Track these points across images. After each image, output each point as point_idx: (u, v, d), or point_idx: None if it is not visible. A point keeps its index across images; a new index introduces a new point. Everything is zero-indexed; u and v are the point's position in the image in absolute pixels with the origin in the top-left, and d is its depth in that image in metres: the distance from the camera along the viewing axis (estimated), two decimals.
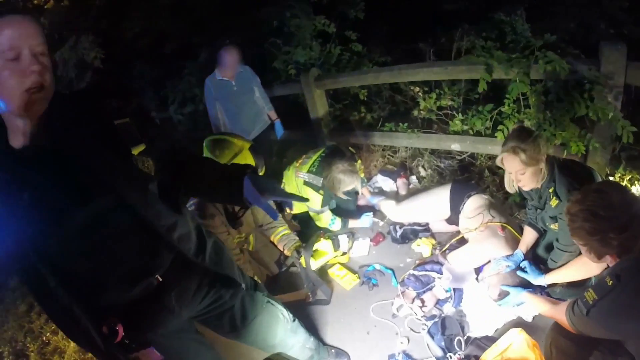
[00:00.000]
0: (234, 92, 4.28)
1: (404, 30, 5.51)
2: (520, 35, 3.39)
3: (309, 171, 3.57)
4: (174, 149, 1.66)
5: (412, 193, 3.91)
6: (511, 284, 2.57)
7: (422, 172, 4.31)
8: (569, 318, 1.78)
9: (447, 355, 2.45)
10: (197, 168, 1.60)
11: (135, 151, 1.50)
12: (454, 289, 2.84)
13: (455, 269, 2.90)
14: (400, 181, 4.18)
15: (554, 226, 2.49)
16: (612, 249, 1.60)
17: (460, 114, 3.88)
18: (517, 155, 2.31)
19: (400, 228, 3.52)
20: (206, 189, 1.57)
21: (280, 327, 2.11)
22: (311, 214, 3.71)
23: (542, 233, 2.71)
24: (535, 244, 2.75)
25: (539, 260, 2.69)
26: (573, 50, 3.19)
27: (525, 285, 2.54)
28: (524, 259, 2.66)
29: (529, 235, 2.72)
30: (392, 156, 4.65)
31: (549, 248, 2.60)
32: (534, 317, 2.55)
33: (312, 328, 2.88)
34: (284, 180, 3.87)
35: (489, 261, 2.81)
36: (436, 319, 2.67)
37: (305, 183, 3.56)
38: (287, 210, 3.92)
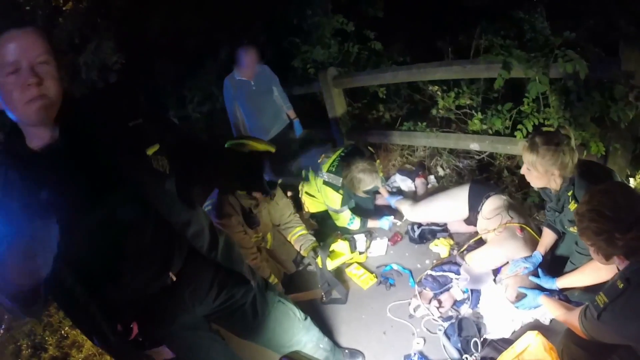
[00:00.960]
0: (252, 92, 4.30)
1: (422, 29, 5.47)
2: (540, 33, 3.34)
3: (328, 171, 3.58)
4: (186, 141, 1.69)
5: (430, 193, 3.89)
6: (529, 286, 2.55)
7: (441, 172, 4.29)
8: (581, 323, 1.77)
9: (464, 357, 2.45)
10: (216, 158, 1.62)
11: (150, 151, 1.53)
12: (472, 290, 2.83)
13: (473, 270, 2.89)
14: (419, 181, 4.17)
15: (573, 229, 2.45)
16: (619, 250, 1.60)
17: (479, 113, 3.85)
18: (530, 153, 2.31)
19: (418, 228, 3.52)
20: (227, 178, 1.61)
21: (292, 325, 2.13)
22: (330, 212, 3.72)
23: (561, 235, 2.67)
24: (554, 246, 2.72)
25: (557, 262, 2.66)
26: (593, 48, 3.13)
27: (543, 288, 2.52)
28: (543, 261, 2.64)
29: (548, 237, 2.69)
30: (411, 155, 4.64)
31: (568, 250, 2.57)
32: (551, 320, 2.53)
33: (328, 327, 2.92)
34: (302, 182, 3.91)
35: (507, 262, 2.79)
36: (453, 320, 2.67)
37: (325, 183, 3.57)
38: (305, 209, 3.95)
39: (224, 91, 4.40)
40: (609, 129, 2.85)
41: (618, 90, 2.62)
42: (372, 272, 3.29)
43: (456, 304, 2.84)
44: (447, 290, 2.89)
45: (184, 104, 6.97)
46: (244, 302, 1.89)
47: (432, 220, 3.53)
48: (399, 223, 3.75)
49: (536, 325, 2.53)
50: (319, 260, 3.19)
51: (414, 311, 2.86)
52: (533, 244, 2.79)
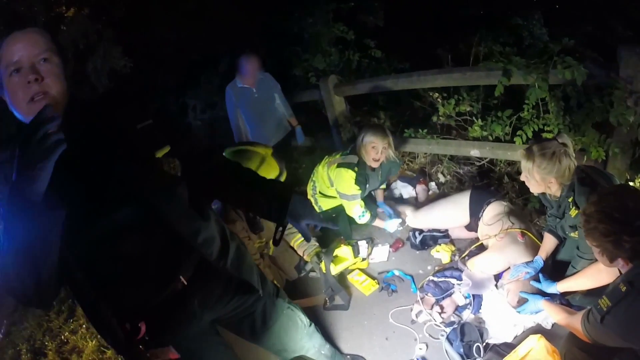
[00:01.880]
0: (254, 100, 4.33)
1: (422, 37, 5.52)
2: (538, 40, 3.37)
3: (342, 155, 3.63)
4: (205, 152, 1.68)
5: (431, 199, 3.91)
6: (530, 291, 2.56)
7: (442, 179, 4.30)
8: (584, 327, 1.77)
9: None
10: (235, 177, 1.63)
11: (160, 153, 1.51)
12: (473, 296, 2.83)
13: (475, 276, 2.89)
14: (420, 187, 4.18)
15: (574, 234, 2.47)
16: (625, 252, 1.61)
17: (479, 120, 3.87)
18: (527, 161, 2.35)
19: (419, 234, 3.53)
20: (245, 201, 1.60)
21: (297, 332, 2.12)
22: (342, 201, 3.66)
23: (562, 240, 2.68)
24: (555, 251, 2.73)
25: (558, 267, 2.67)
26: (591, 53, 3.16)
27: (544, 292, 2.53)
28: (544, 266, 2.65)
29: (549, 242, 2.71)
30: (412, 162, 4.66)
31: (569, 255, 2.57)
32: (553, 324, 2.53)
33: (331, 333, 2.92)
34: (313, 179, 3.92)
35: (509, 268, 2.80)
36: (455, 325, 2.67)
37: (339, 165, 3.56)
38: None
39: (226, 99, 4.43)
40: (609, 134, 2.87)
41: (617, 95, 2.64)
42: (374, 279, 3.29)
43: (458, 309, 2.84)
44: (449, 295, 2.89)
45: (186, 112, 7.00)
46: (253, 310, 1.87)
47: (433, 226, 3.54)
48: (400, 229, 3.76)
49: (538, 330, 2.53)
50: (322, 265, 3.19)
51: (416, 317, 2.86)
52: (534, 249, 2.80)
